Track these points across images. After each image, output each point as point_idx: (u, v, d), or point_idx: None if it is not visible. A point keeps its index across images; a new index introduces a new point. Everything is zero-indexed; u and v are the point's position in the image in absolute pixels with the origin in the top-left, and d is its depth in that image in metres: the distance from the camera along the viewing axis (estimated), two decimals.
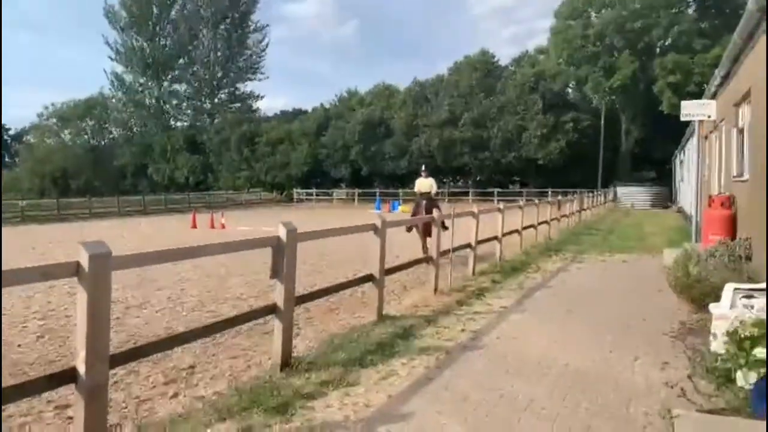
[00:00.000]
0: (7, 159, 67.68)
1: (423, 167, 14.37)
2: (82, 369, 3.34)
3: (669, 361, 5.42)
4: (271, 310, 5.30)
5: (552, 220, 17.47)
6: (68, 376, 3.37)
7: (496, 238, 11.97)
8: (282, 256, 5.20)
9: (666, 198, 40.32)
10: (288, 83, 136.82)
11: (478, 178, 51.94)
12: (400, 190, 48.70)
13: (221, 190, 56.90)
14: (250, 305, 8.01)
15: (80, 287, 3.38)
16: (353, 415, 4.17)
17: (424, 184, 13.51)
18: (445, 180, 53.52)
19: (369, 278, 7.19)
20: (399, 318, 7.21)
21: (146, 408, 4.59)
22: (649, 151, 47.28)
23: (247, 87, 74.61)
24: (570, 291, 9.18)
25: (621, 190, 42.05)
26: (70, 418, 4.36)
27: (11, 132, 70.48)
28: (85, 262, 3.35)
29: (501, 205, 12.60)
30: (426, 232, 12.04)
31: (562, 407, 4.34)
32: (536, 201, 17.21)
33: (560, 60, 50.39)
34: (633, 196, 40.49)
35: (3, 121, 69.65)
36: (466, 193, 48.75)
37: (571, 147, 45.96)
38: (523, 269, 11.28)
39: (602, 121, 44.77)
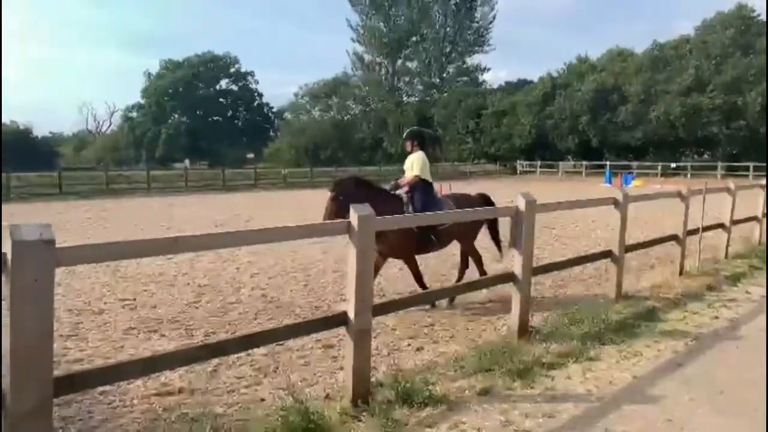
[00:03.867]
0: (271, 133, 78.01)
1: (408, 134, 7.60)
2: (351, 314, 3.82)
3: None
4: (509, 278, 5.41)
5: None
6: (340, 319, 3.88)
7: (755, 218, 10.51)
8: (521, 226, 5.27)
9: None
10: (509, 54, 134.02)
11: (731, 151, 45.49)
12: (635, 163, 44.87)
13: (447, 162, 58.49)
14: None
15: (350, 244, 3.85)
16: (596, 391, 4.12)
17: (409, 162, 7.30)
18: (687, 153, 47.95)
19: (607, 254, 6.91)
20: (639, 298, 6.82)
21: (395, 357, 5.07)
22: None
23: (473, 60, 75.15)
24: None
25: None
26: (334, 357, 5.04)
27: (274, 109, 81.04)
28: (355, 222, 3.81)
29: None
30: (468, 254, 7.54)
31: None
32: None
33: None
34: None
35: (264, 100, 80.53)
36: (713, 167, 42.92)
37: None
38: None
39: None
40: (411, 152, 7.27)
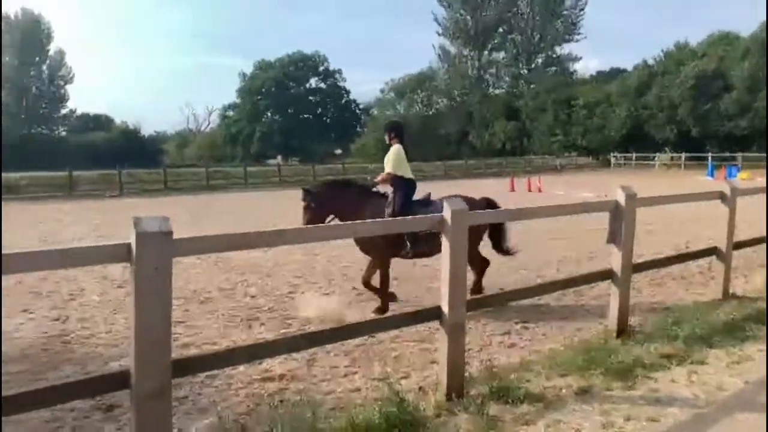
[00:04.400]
0: (358, 129, 79.44)
1: (386, 126, 7.28)
2: (445, 308, 3.84)
3: None
4: (607, 275, 5.23)
5: None
6: (434, 313, 3.91)
7: None
8: (620, 221, 5.08)
9: None
10: (601, 43, 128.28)
11: None
12: (740, 154, 41.60)
13: (536, 155, 57.05)
14: (571, 271, 7.99)
15: (444, 238, 3.87)
16: (703, 396, 3.91)
17: (386, 156, 6.75)
18: None
19: (712, 251, 6.52)
20: (749, 299, 6.39)
21: (487, 352, 5.04)
22: None
23: (563, 50, 72.79)
24: None
25: None
26: (426, 350, 5.08)
27: (360, 106, 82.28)
28: (448, 217, 3.82)
29: None
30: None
31: None
32: None
33: None
34: None
35: (351, 97, 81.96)
36: None
37: None
38: None
39: None
40: (390, 145, 6.70)
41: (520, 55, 72.63)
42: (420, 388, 4.10)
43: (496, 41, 72.97)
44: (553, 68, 70.98)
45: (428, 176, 39.64)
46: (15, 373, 4.59)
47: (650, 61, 54.72)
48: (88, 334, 5.67)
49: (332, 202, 6.44)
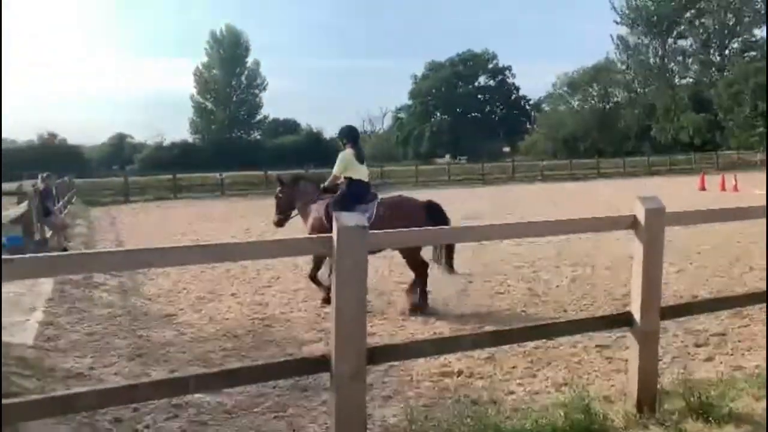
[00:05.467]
0: (528, 125, 77.51)
1: (339, 132, 7.37)
2: (636, 315, 3.61)
3: None
4: None
5: None
6: (624, 319, 3.70)
7: None
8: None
9: None
10: None
11: None
12: None
13: (730, 150, 51.06)
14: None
15: (636, 240, 3.63)
16: None
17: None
18: None
19: None
20: None
21: (682, 365, 4.65)
22: None
23: (764, 31, 64.03)
24: None
25: None
26: (609, 358, 4.84)
27: (530, 102, 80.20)
28: (641, 217, 3.58)
29: None
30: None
31: None
32: None
33: None
34: None
35: (521, 93, 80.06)
36: None
37: None
38: None
39: None
40: (342, 150, 6.94)
41: (712, 40, 65.39)
42: (605, 397, 3.92)
43: (682, 27, 66.52)
44: (752, 53, 62.85)
45: (605, 174, 37.64)
46: (228, 349, 5.23)
47: None
48: (285, 318, 6.25)
49: (298, 195, 7.30)
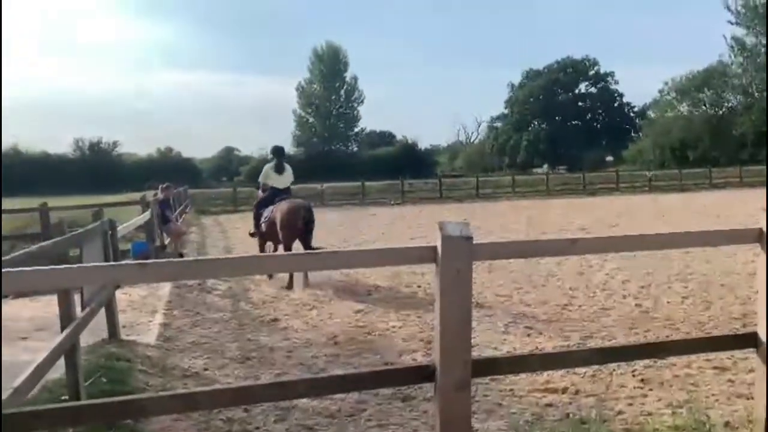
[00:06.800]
0: (632, 133, 73.78)
1: (272, 151, 10.09)
2: (762, 335, 3.35)
3: None
4: None
5: None
6: (749, 339, 3.45)
7: None
8: None
9: None
10: None
11: None
12: None
13: None
14: None
15: (762, 254, 3.38)
16: None
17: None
18: None
19: None
20: None
21: None
22: None
23: None
24: None
25: None
26: (730, 381, 4.49)
27: (635, 109, 76.47)
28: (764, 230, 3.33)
29: None
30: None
31: None
32: None
33: None
34: None
35: (625, 100, 76.54)
36: None
37: None
38: None
39: None
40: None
41: None
42: (726, 423, 3.65)
43: None
44: None
45: (718, 185, 35.09)
46: (329, 355, 5.38)
47: None
48: (384, 327, 6.34)
49: (264, 201, 9.19)
